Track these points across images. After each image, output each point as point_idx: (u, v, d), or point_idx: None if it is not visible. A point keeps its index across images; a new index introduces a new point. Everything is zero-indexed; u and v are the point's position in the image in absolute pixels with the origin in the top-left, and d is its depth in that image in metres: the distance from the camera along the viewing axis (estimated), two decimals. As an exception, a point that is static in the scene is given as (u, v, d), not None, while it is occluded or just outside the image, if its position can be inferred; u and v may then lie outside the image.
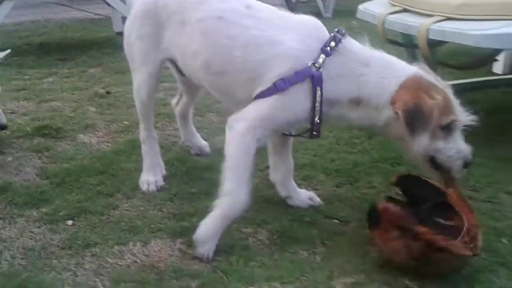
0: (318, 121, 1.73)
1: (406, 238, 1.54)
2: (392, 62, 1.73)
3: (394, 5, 2.53)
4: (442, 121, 1.64)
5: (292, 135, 1.96)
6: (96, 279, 1.62)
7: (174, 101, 2.50)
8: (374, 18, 2.56)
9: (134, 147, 2.47)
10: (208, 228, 1.73)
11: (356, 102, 1.71)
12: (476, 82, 3.43)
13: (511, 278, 1.57)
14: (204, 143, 2.52)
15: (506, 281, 1.55)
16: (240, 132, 1.72)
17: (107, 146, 2.63)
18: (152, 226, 1.89)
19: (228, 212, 1.73)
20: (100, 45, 4.82)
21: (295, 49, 1.71)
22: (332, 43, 1.71)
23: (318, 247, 1.75)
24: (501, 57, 3.73)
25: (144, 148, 2.23)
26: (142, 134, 2.22)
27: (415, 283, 1.54)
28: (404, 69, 1.71)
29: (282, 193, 2.03)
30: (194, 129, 2.52)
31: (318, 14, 6.74)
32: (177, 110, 2.48)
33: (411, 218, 1.59)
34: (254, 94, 1.74)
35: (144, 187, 2.16)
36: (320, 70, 1.68)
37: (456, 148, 1.70)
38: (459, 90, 3.34)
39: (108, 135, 2.78)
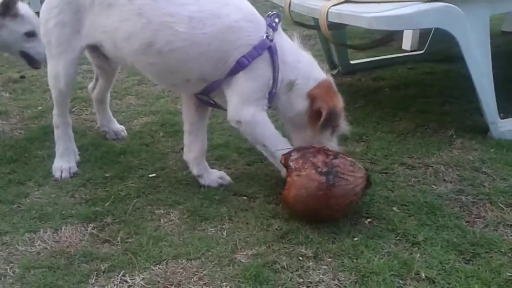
0: (274, 91, 1.90)
1: (310, 165, 1.76)
2: (313, 62, 1.99)
3: (300, -12, 2.63)
4: (338, 122, 1.96)
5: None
6: (7, 267, 1.65)
7: (90, 85, 2.50)
8: (281, 1, 2.65)
9: (48, 133, 2.47)
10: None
11: (290, 85, 1.91)
12: (385, 59, 3.64)
13: (399, 243, 1.73)
14: (120, 127, 2.54)
15: (393, 247, 1.70)
16: (250, 113, 1.89)
17: (20, 133, 2.60)
18: (63, 212, 1.92)
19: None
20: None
21: (246, 20, 1.85)
22: (277, 19, 1.90)
23: (225, 223, 1.85)
24: (409, 34, 3.96)
25: (57, 134, 2.22)
26: (56, 119, 2.21)
27: (310, 251, 1.68)
28: (321, 72, 1.98)
29: (194, 171, 2.11)
30: (110, 114, 2.53)
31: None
32: (94, 95, 2.49)
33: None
34: (216, 75, 1.87)
35: (57, 174, 2.17)
36: (273, 42, 1.86)
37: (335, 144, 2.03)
38: (370, 68, 3.57)
39: (21, 121, 2.74)
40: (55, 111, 2.20)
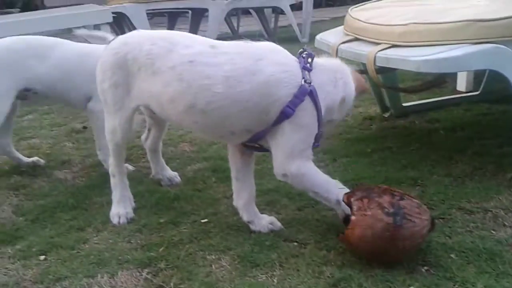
0: (321, 131, 1.97)
1: (376, 206, 1.74)
2: (341, 64, 2.07)
3: (347, 34, 2.68)
4: None
5: None
6: (65, 311, 1.71)
7: (143, 136, 2.61)
8: (328, 48, 2.70)
9: (107, 181, 2.55)
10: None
11: (342, 101, 1.99)
12: (440, 101, 3.59)
13: (457, 291, 1.67)
14: (173, 174, 2.63)
15: (451, 295, 1.64)
16: (295, 173, 1.94)
17: (82, 181, 2.73)
18: (120, 257, 1.98)
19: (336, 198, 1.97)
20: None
21: (281, 72, 1.91)
22: (309, 60, 1.95)
23: (276, 270, 1.84)
24: (464, 75, 3.90)
25: (114, 182, 2.32)
26: (113, 169, 2.30)
27: (363, 300, 1.64)
28: (347, 67, 2.07)
29: (245, 218, 2.14)
30: (163, 162, 2.62)
31: (295, 39, 6.94)
32: (147, 145, 2.60)
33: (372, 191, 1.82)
34: (260, 125, 1.93)
35: (115, 220, 2.25)
36: (312, 84, 1.91)
37: None
38: (424, 110, 3.53)
39: (83, 170, 2.88)
40: (111, 161, 2.30)
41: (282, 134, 1.92)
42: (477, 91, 3.70)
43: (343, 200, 1.87)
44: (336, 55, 2.66)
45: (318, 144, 2.00)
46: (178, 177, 2.63)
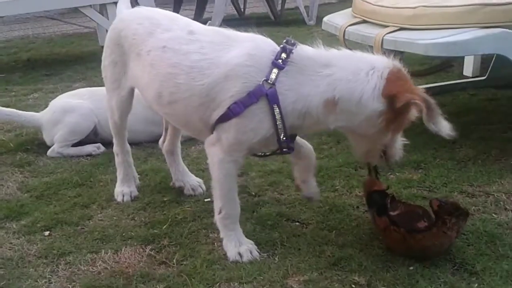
0: (285, 138, 1.73)
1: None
2: (358, 55, 1.70)
3: (355, 17, 2.66)
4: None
5: (265, 155, 1.93)
6: (69, 285, 1.74)
7: (160, 140, 2.37)
8: (336, 30, 2.69)
9: (111, 159, 2.57)
10: (230, 246, 1.84)
11: (333, 103, 1.65)
12: (446, 85, 3.57)
13: (456, 273, 1.67)
14: (197, 181, 2.34)
15: (450, 276, 1.65)
16: (217, 158, 1.79)
17: (87, 159, 2.74)
18: (124, 234, 2.01)
19: (229, 224, 1.86)
20: (85, 59, 4.94)
21: (243, 66, 1.70)
22: (283, 55, 1.69)
23: (277, 248, 1.86)
24: (471, 60, 3.87)
25: (118, 160, 2.31)
26: (116, 147, 2.30)
27: (363, 279, 1.65)
28: (379, 60, 1.67)
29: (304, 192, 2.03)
30: (184, 167, 2.37)
31: (302, 22, 6.89)
32: (164, 147, 2.35)
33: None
34: (211, 120, 1.76)
35: (119, 198, 2.26)
36: (275, 86, 1.67)
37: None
38: (430, 94, 3.50)
39: (90, 147, 2.89)
40: (114, 140, 2.29)
41: (227, 125, 1.73)
42: (484, 76, 3.67)
43: (430, 204, 1.76)
44: (344, 38, 2.65)
45: (289, 150, 1.79)
46: (203, 186, 2.32)
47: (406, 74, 1.69)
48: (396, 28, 2.33)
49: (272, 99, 1.67)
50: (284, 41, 1.74)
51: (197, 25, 1.93)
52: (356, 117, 1.66)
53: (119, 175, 2.31)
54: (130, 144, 2.86)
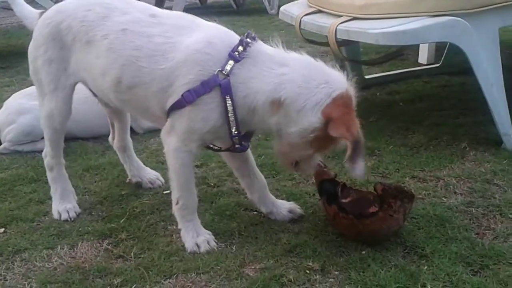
0: (236, 132, 1.72)
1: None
2: (318, 65, 1.70)
3: (310, 7, 2.69)
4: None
5: (220, 150, 1.89)
6: (25, 282, 1.72)
7: (110, 137, 2.33)
8: (292, 19, 2.71)
9: (68, 153, 2.55)
10: (188, 237, 1.84)
11: (278, 104, 1.65)
12: (401, 73, 3.65)
13: (407, 256, 1.73)
14: (154, 175, 2.33)
15: (401, 259, 1.71)
16: (172, 147, 1.78)
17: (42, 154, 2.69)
18: (80, 229, 1.99)
19: (186, 215, 1.86)
20: (41, 51, 4.81)
21: (201, 52, 1.70)
22: (240, 48, 1.69)
23: (235, 238, 1.89)
24: (425, 48, 3.96)
25: (52, 176, 2.12)
26: (50, 161, 2.11)
27: (317, 265, 1.70)
28: (335, 78, 1.67)
29: (263, 210, 2.01)
30: (139, 161, 2.34)
31: (264, 11, 6.90)
32: (115, 145, 2.30)
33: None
34: (167, 106, 1.75)
35: (63, 215, 2.07)
36: (229, 77, 1.67)
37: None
38: (385, 82, 3.59)
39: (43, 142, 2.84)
40: (48, 152, 2.11)
41: (181, 112, 1.73)
42: (438, 63, 3.78)
43: (374, 188, 1.80)
44: (300, 27, 2.68)
45: (242, 147, 1.80)
46: (161, 178, 2.31)
47: (353, 104, 1.68)
48: (349, 18, 2.37)
49: (225, 90, 1.67)
50: (245, 34, 1.74)
51: (158, 9, 1.88)
52: (293, 124, 1.66)
53: (56, 192, 2.12)
54: (87, 138, 2.86)
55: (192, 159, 1.83)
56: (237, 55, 1.69)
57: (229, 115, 1.69)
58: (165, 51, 1.73)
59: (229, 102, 1.68)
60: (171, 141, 1.79)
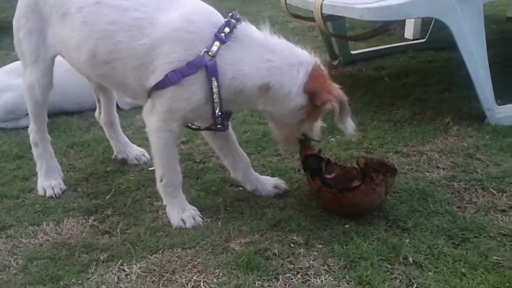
0: (220, 113, 1.73)
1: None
2: (292, 48, 1.74)
3: (296, -19, 2.66)
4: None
5: (198, 129, 1.91)
6: (10, 259, 1.72)
7: (96, 112, 2.32)
8: (277, -6, 2.68)
9: (52, 130, 2.53)
10: (173, 213, 1.85)
11: (266, 89, 1.69)
12: (387, 48, 3.65)
13: (389, 229, 1.76)
14: (140, 151, 2.32)
15: (383, 233, 1.74)
16: (154, 127, 1.78)
17: (26, 130, 2.66)
18: (66, 206, 1.99)
19: (171, 191, 1.86)
20: (23, 26, 4.72)
21: (185, 31, 1.67)
22: (227, 29, 1.68)
23: (221, 213, 1.90)
24: (411, 23, 3.96)
25: (37, 152, 2.11)
26: (34, 136, 2.10)
27: (301, 238, 1.72)
28: (303, 56, 1.73)
29: (248, 187, 2.02)
30: (125, 137, 2.33)
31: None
32: (102, 120, 2.29)
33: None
34: (148, 84, 1.72)
35: (48, 192, 2.06)
36: (215, 59, 1.66)
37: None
38: (371, 57, 3.58)
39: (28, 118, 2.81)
40: (33, 127, 2.10)
41: (163, 91, 1.71)
42: (424, 38, 3.78)
43: (357, 162, 1.81)
44: (285, 3, 2.65)
45: (223, 127, 1.80)
46: (147, 155, 2.29)
47: (325, 71, 1.77)
48: (334, -8, 2.35)
49: (211, 71, 1.67)
50: (230, 14, 1.73)
51: None
52: (281, 106, 1.73)
53: (42, 168, 2.11)
54: (71, 113, 2.84)
55: (174, 138, 1.82)
56: (223, 37, 1.68)
57: (214, 96, 1.69)
58: (142, 26, 1.70)
59: (214, 83, 1.68)
60: (153, 121, 1.78)
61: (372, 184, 1.74)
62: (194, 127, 1.88)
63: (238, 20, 1.72)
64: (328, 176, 1.88)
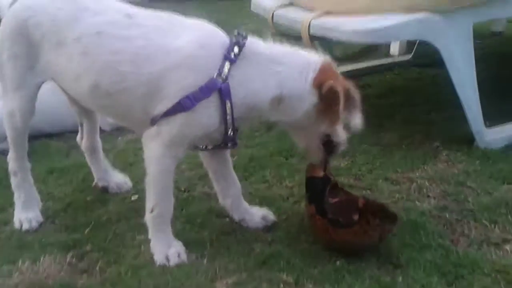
0: (232, 133, 1.70)
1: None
2: (299, 54, 1.73)
3: (282, -2, 2.61)
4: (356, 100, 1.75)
5: (207, 149, 1.85)
6: (-17, 302, 1.63)
7: (78, 137, 2.23)
8: (264, 12, 2.63)
9: (30, 153, 2.41)
10: (158, 248, 1.77)
11: (278, 100, 1.68)
12: (372, 66, 3.62)
13: (381, 266, 1.69)
14: (121, 179, 2.24)
15: (376, 270, 1.68)
16: (156, 153, 1.71)
17: (2, 158, 2.56)
18: (43, 240, 1.90)
19: (160, 224, 1.78)
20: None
21: (196, 56, 1.65)
22: (236, 49, 1.66)
23: (207, 248, 1.82)
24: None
25: (16, 181, 2.02)
26: (13, 164, 2.01)
27: (291, 278, 1.65)
28: (311, 57, 1.73)
29: (235, 217, 1.96)
30: (107, 164, 2.26)
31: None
32: (84, 145, 2.20)
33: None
34: (156, 112, 1.67)
35: (24, 225, 1.97)
36: (227, 80, 1.63)
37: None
38: (358, 75, 3.55)
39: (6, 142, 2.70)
40: (12, 155, 2.00)
41: (173, 118, 1.66)
42: (410, 54, 3.75)
43: (357, 200, 1.78)
44: (272, 21, 2.59)
45: (234, 144, 1.77)
46: (129, 182, 2.23)
47: (336, 68, 1.74)
48: (322, 13, 2.30)
49: (226, 94, 1.63)
50: (236, 33, 1.70)
51: (131, 7, 1.78)
52: (296, 111, 1.70)
53: (20, 198, 2.01)
54: (51, 135, 2.74)
55: (175, 165, 1.76)
56: (233, 56, 1.66)
57: (228, 117, 1.66)
58: (149, 54, 1.66)
59: (228, 105, 1.65)
60: (155, 146, 1.71)
61: (366, 227, 1.68)
62: (202, 147, 1.83)
63: (244, 37, 1.70)
64: (331, 199, 1.82)
